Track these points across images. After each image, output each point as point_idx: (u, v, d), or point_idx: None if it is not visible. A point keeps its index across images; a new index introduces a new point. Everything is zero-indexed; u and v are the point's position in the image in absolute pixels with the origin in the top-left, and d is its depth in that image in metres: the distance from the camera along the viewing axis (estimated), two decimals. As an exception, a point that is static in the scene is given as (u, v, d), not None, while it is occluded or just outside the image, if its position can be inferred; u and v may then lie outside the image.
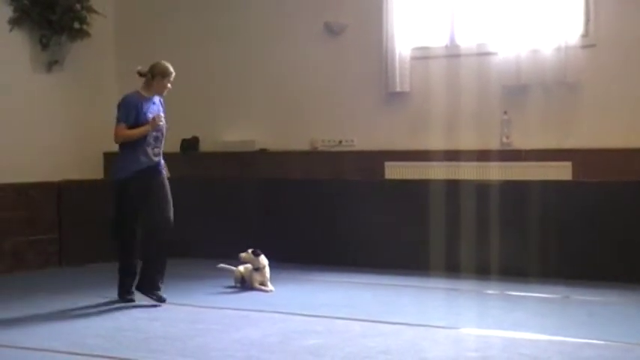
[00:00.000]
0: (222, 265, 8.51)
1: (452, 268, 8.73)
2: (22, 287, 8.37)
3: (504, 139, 10.08)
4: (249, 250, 8.16)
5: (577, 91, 9.81)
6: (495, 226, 8.67)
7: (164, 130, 7.75)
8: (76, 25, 11.50)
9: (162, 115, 7.69)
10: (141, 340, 6.06)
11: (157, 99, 7.77)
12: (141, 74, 7.67)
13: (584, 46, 9.74)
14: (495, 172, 9.74)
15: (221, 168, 11.56)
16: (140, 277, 7.53)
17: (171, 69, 7.77)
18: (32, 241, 9.37)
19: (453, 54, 10.40)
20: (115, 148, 12.36)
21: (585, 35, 9.80)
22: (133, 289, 7.53)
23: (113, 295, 7.73)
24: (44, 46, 11.43)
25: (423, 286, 8.26)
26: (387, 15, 10.53)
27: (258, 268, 8.10)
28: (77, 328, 6.47)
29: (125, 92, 12.39)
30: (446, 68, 10.33)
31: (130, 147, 7.60)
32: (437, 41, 10.59)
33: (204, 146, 11.94)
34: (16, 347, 5.86)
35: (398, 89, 10.51)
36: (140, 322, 6.69)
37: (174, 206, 10.43)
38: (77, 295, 7.88)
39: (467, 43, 10.43)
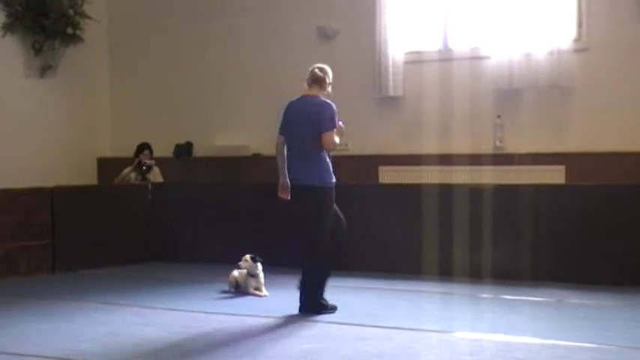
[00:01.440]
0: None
1: (445, 272, 8.72)
2: (14, 293, 8.34)
3: (497, 143, 10.10)
4: (249, 256, 8.12)
5: (570, 95, 9.84)
6: (489, 229, 8.67)
7: None
8: (69, 31, 11.52)
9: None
10: (134, 345, 6.04)
11: None
12: (319, 79, 7.34)
13: (576, 50, 9.77)
14: (488, 175, 9.77)
15: (215, 173, 11.57)
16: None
17: None
18: (25, 246, 9.35)
19: (446, 58, 10.43)
20: (109, 154, 12.49)
21: (578, 39, 9.83)
22: None
23: (107, 299, 7.73)
24: (37, 52, 11.44)
25: (416, 289, 8.25)
26: (380, 19, 10.56)
27: (254, 274, 8.08)
28: (70, 333, 6.44)
29: (121, 97, 12.54)
30: (439, 72, 10.36)
31: (325, 154, 7.27)
32: (430, 45, 10.61)
33: (198, 151, 11.96)
34: (9, 353, 5.84)
35: (391, 93, 10.54)
36: (133, 327, 6.67)
37: (169, 211, 10.48)
38: (70, 300, 7.85)
39: (460, 47, 10.46)
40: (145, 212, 10.44)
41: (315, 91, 7.34)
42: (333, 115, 7.21)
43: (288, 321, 6.84)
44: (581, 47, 9.80)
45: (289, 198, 7.31)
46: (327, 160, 7.27)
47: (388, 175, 10.45)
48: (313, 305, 7.13)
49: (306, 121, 7.21)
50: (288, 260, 9.20)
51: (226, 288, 8.23)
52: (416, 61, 10.56)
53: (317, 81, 7.35)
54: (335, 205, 7.31)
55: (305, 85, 7.40)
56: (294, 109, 7.33)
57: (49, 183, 9.90)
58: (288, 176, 7.30)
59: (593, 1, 9.74)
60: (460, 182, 9.60)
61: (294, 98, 7.43)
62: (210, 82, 11.88)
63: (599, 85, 9.75)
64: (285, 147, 7.37)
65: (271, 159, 11.21)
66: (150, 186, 10.69)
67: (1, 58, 11.15)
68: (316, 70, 7.40)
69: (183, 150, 11.92)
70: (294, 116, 7.30)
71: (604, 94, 9.73)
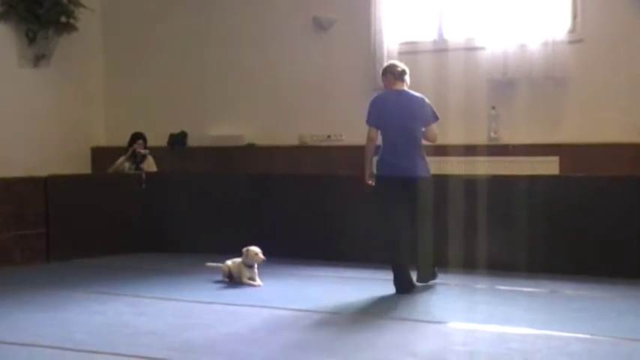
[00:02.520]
0: (209, 263, 8.48)
1: (440, 263, 8.72)
2: (8, 282, 8.32)
3: (492, 134, 10.10)
4: (254, 248, 8.07)
5: (564, 86, 9.84)
6: (483, 220, 8.67)
7: None
8: (63, 19, 11.47)
9: None
10: (128, 335, 6.04)
11: None
12: (403, 74, 7.83)
13: (571, 42, 9.77)
14: (483, 166, 9.77)
15: (209, 163, 11.55)
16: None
17: None
18: (19, 236, 9.33)
19: (440, 49, 10.43)
20: (103, 143, 12.47)
21: (572, 30, 9.83)
22: None
23: (102, 289, 7.73)
24: (31, 41, 11.39)
25: (411, 280, 8.26)
26: (375, 10, 10.55)
27: (251, 265, 8.06)
28: (65, 323, 6.43)
29: (115, 86, 12.53)
30: (434, 63, 10.35)
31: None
32: (425, 36, 10.61)
33: (192, 141, 11.94)
34: (3, 343, 5.83)
35: (386, 84, 10.49)
36: (128, 317, 6.66)
37: (163, 201, 10.47)
38: (64, 290, 7.84)
39: (455, 37, 10.45)
40: (138, 202, 10.42)
41: (401, 86, 7.77)
42: (433, 109, 7.76)
43: (283, 311, 6.84)
44: (576, 38, 9.79)
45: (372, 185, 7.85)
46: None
47: (383, 166, 10.42)
48: (429, 275, 7.86)
49: (410, 115, 7.64)
50: (282, 250, 9.23)
51: (220, 278, 8.23)
52: (411, 51, 10.54)
53: (402, 76, 7.79)
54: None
55: (391, 81, 7.80)
56: (392, 103, 7.70)
57: (43, 172, 9.88)
58: (386, 166, 7.70)
59: (588, -8, 9.75)
60: (455, 173, 9.60)
61: (382, 93, 7.85)
62: (204, 72, 11.85)
63: (593, 77, 9.76)
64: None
65: (266, 149, 11.31)
66: (144, 175, 10.68)
67: (-6, 47, 11.12)
68: (400, 67, 7.83)
69: (178, 139, 11.90)
70: (394, 110, 7.66)
71: (598, 86, 9.73)
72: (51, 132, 11.70)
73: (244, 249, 8.08)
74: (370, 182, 7.83)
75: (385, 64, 8.18)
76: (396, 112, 7.64)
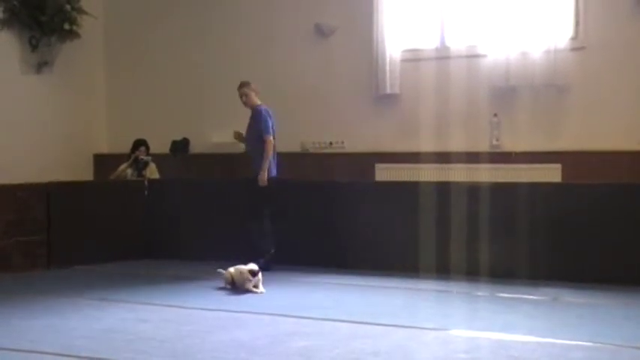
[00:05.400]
0: (221, 270, 8.45)
1: (442, 270, 8.72)
2: (9, 289, 8.33)
3: (494, 141, 10.10)
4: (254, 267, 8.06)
5: (566, 94, 9.84)
6: (485, 227, 8.67)
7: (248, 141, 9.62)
8: (66, 27, 11.49)
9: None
10: (129, 341, 6.04)
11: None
12: None
13: (573, 49, 9.78)
14: (485, 174, 9.76)
15: (211, 169, 11.56)
16: None
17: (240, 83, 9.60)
18: (20, 242, 9.33)
19: (442, 56, 10.43)
20: (105, 150, 12.50)
21: (575, 38, 9.83)
22: None
23: (103, 296, 7.73)
24: (34, 48, 11.41)
25: (412, 287, 8.26)
26: (377, 17, 10.55)
27: (256, 273, 8.03)
28: (65, 329, 6.43)
29: (117, 93, 12.54)
30: (436, 70, 10.35)
31: None
32: (427, 43, 10.61)
33: (195, 148, 11.94)
34: (3, 349, 5.83)
35: (388, 91, 10.53)
36: (128, 323, 6.66)
37: (165, 208, 10.47)
38: (65, 297, 7.84)
39: (457, 45, 10.45)
40: (141, 208, 10.42)
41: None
42: None
43: (285, 318, 6.84)
44: (578, 46, 9.80)
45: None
46: None
47: (384, 173, 10.44)
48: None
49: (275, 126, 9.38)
50: (285, 257, 9.24)
51: (222, 285, 8.22)
52: (413, 59, 10.56)
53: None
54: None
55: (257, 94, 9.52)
56: (271, 116, 9.38)
57: (45, 179, 9.88)
58: (275, 169, 9.38)
59: (591, 0, 9.74)
60: (457, 180, 9.60)
61: (264, 106, 9.39)
62: (206, 79, 11.86)
63: (595, 84, 9.76)
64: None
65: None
66: (146, 182, 10.68)
67: (-3, 53, 11.14)
68: None
69: (180, 146, 11.90)
70: (273, 121, 9.38)
71: (601, 93, 9.73)
72: (53, 139, 11.71)
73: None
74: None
75: (245, 80, 9.56)
76: (273, 123, 9.34)
